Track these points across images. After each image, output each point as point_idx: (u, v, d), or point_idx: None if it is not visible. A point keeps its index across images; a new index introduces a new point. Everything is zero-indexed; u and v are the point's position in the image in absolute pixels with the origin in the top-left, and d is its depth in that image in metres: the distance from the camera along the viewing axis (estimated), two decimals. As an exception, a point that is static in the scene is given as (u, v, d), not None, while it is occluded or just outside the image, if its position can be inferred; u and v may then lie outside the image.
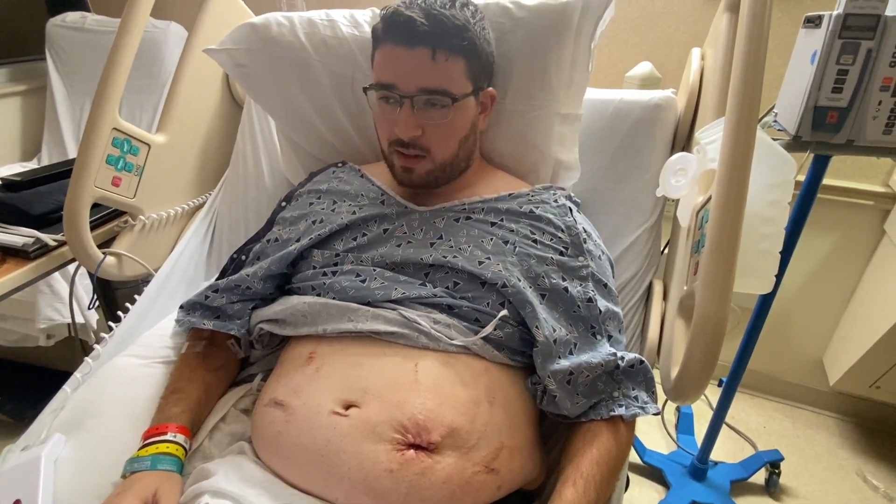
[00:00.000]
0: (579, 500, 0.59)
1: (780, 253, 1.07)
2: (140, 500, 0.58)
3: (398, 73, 0.71)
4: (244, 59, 0.94)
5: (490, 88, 0.80)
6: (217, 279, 0.82)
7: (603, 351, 0.69)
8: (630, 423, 0.70)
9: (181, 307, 0.80)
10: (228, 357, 0.79)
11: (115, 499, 0.59)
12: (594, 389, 0.69)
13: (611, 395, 0.69)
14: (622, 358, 0.69)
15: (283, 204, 0.88)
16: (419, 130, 0.73)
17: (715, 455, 1.43)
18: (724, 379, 1.30)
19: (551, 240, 0.75)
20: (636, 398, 0.69)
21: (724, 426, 1.42)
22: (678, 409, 1.69)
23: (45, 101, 1.67)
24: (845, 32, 0.81)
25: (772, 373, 1.74)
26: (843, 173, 1.43)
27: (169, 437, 0.65)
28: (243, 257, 0.84)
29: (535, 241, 0.74)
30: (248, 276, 0.77)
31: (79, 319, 1.42)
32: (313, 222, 0.80)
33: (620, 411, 0.68)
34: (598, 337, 0.71)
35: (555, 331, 0.68)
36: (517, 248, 0.73)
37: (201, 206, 1.16)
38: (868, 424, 1.67)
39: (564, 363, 0.67)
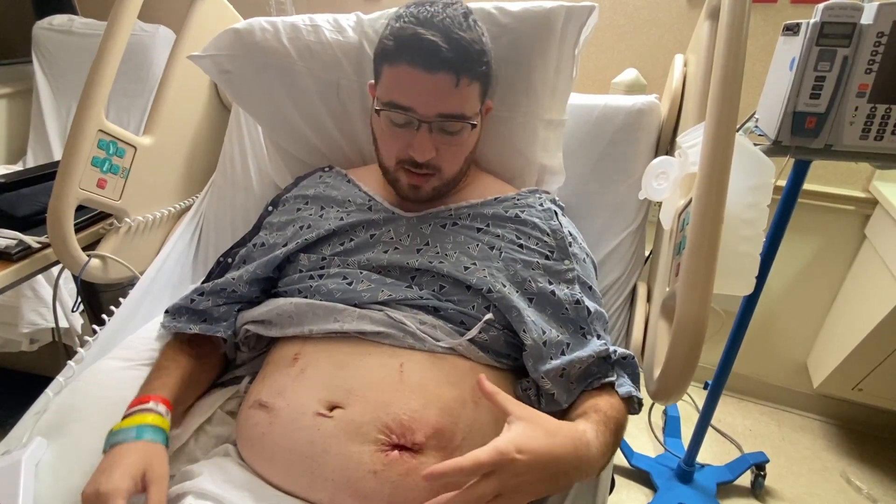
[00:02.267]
0: (598, 432, 0.59)
1: (763, 256, 1.09)
2: (130, 479, 0.56)
3: (417, 98, 0.69)
4: (228, 65, 0.93)
5: (488, 100, 0.80)
6: (203, 282, 0.81)
7: (593, 345, 0.70)
8: (623, 401, 0.69)
9: (167, 311, 0.79)
10: (214, 349, 0.78)
11: (101, 477, 0.56)
12: (588, 373, 0.70)
13: (605, 374, 0.70)
14: (615, 351, 0.71)
15: (270, 209, 0.88)
16: (434, 152, 0.73)
17: (701, 458, 1.44)
18: (710, 382, 1.31)
19: (537, 244, 0.76)
20: (626, 382, 0.71)
21: (710, 429, 1.43)
22: (665, 412, 1.70)
23: (30, 103, 1.65)
24: (822, 40, 0.83)
25: (757, 376, 1.76)
26: (825, 179, 1.45)
27: (151, 405, 0.64)
28: (229, 260, 0.84)
29: (520, 245, 0.75)
30: (233, 279, 0.77)
31: (63, 323, 1.41)
32: (300, 227, 0.80)
33: (611, 379, 0.69)
34: (588, 337, 0.72)
35: (544, 332, 0.69)
36: (503, 254, 0.73)
37: (188, 208, 1.15)
38: (852, 427, 1.69)
39: (556, 362, 0.67)
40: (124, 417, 0.64)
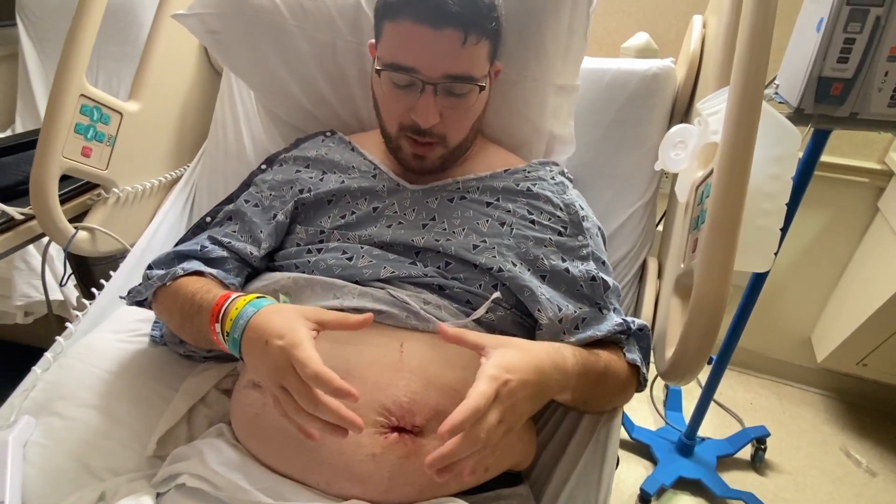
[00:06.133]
0: (575, 352, 0.61)
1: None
2: (309, 328, 0.53)
3: (422, 57, 0.65)
4: (216, 24, 0.87)
5: (497, 62, 0.75)
6: (178, 242, 0.77)
7: (610, 322, 0.69)
8: (631, 368, 0.69)
9: (169, 258, 0.72)
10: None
11: (273, 341, 0.51)
12: (601, 343, 0.69)
13: (617, 341, 0.70)
14: (633, 321, 0.69)
15: (264, 167, 0.83)
16: (438, 118, 0.68)
17: (702, 431, 1.44)
18: (714, 357, 1.29)
19: (549, 219, 0.73)
20: (634, 351, 0.70)
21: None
22: (667, 385, 1.70)
23: (17, 68, 1.59)
24: (854, -1, 0.78)
25: (759, 350, 1.74)
26: (839, 150, 1.40)
27: (235, 294, 0.59)
28: (207, 219, 0.79)
29: (532, 221, 0.72)
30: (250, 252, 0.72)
31: (57, 296, 1.38)
32: (300, 191, 0.76)
33: (620, 340, 0.69)
34: (605, 312, 0.70)
35: (560, 310, 0.67)
36: (514, 230, 0.70)
37: (179, 178, 1.11)
38: (853, 401, 1.69)
39: (571, 340, 0.66)
40: (222, 318, 0.57)
